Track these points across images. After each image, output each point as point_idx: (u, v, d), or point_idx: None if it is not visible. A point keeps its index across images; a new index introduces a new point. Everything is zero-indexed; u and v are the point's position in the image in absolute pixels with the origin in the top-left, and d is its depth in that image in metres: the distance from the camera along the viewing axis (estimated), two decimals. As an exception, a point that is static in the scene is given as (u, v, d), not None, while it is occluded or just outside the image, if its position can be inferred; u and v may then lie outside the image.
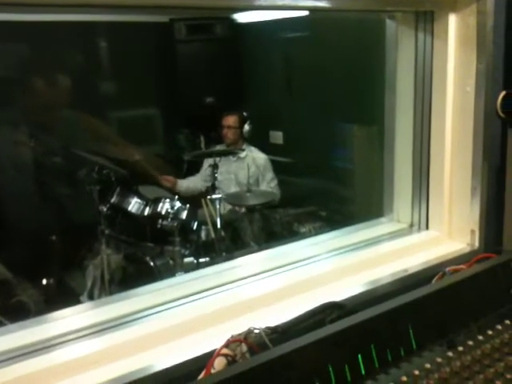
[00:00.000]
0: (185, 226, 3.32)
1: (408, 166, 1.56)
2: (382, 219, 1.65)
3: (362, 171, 3.41)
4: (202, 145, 4.63)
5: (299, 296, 1.28)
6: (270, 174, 3.94)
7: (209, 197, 3.35)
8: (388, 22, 1.54)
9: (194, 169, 4.27)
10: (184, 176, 4.13)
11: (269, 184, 3.91)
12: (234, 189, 3.79)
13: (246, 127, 3.92)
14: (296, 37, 3.91)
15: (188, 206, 3.36)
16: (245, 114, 3.95)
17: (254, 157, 3.92)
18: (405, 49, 1.51)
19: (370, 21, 2.48)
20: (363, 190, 3.34)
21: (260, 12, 4.18)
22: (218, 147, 4.09)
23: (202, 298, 1.28)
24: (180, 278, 1.60)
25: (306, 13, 3.76)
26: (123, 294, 1.33)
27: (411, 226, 1.60)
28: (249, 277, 1.36)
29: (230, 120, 3.93)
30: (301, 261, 1.43)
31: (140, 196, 3.54)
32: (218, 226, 3.17)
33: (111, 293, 3.52)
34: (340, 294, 1.24)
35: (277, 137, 4.28)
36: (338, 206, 3.48)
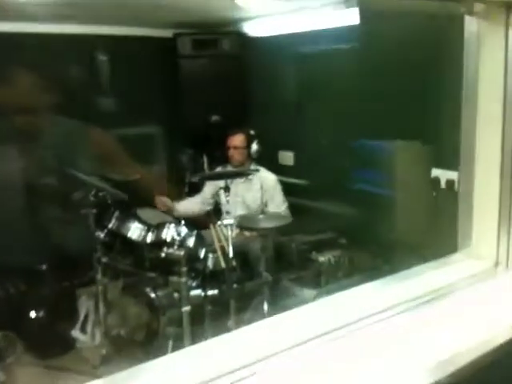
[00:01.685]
0: (191, 255, 3.01)
1: (493, 189, 1.29)
2: (457, 255, 1.37)
3: (404, 195, 3.08)
4: (205, 165, 4.36)
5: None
6: (279, 197, 3.66)
7: (219, 222, 3.05)
8: (467, 18, 1.28)
9: (195, 189, 3.99)
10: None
11: (278, 207, 3.62)
12: (241, 212, 3.50)
13: (254, 147, 3.64)
14: (311, 51, 3.67)
15: (195, 232, 3.06)
16: (252, 132, 3.68)
17: (263, 177, 3.63)
18: (490, 50, 1.25)
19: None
20: (402, 216, 3.04)
21: (271, 25, 3.98)
22: (222, 168, 3.81)
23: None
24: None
25: (324, 25, 3.61)
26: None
27: (496, 264, 1.32)
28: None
29: (236, 140, 3.65)
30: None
31: (141, 221, 3.24)
32: (230, 254, 2.86)
33: (106, 327, 3.21)
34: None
35: (287, 157, 4.01)
36: (362, 234, 3.18)
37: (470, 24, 1.27)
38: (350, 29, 3.24)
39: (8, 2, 2.70)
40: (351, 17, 3.29)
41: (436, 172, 3.05)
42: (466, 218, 1.33)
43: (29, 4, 2.95)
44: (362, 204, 3.25)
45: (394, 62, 2.73)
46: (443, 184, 3.03)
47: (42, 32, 3.63)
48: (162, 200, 3.65)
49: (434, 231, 2.75)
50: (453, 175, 2.96)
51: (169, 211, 3.66)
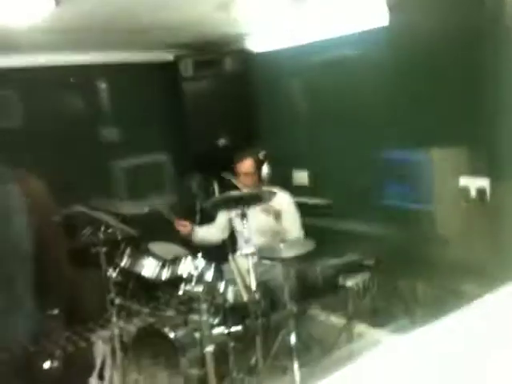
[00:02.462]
0: (210, 289, 2.82)
1: None
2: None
3: (441, 208, 2.88)
4: (216, 192, 4.19)
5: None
6: (296, 220, 3.46)
7: (239, 252, 2.87)
8: None
9: (207, 219, 3.82)
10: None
11: (294, 231, 3.41)
12: (258, 238, 3.30)
13: (265, 171, 3.45)
14: (318, 61, 3.51)
15: (213, 264, 2.87)
16: (261, 156, 3.49)
17: (280, 200, 3.44)
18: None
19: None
20: (439, 232, 2.83)
21: (274, 39, 3.83)
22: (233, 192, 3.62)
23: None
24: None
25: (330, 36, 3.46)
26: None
27: None
28: None
29: (245, 166, 3.45)
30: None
31: (154, 256, 3.05)
32: (253, 286, 2.67)
33: (124, 373, 3.01)
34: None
35: (301, 177, 3.82)
36: (392, 253, 2.98)
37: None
38: (361, 35, 3.09)
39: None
40: (360, 23, 3.15)
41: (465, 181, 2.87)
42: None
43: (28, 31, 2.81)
44: (392, 221, 3.05)
45: (421, 65, 2.56)
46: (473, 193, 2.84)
47: (37, 65, 3.52)
48: (183, 222, 3.49)
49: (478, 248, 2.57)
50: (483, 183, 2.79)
51: (188, 235, 3.50)
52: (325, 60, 3.47)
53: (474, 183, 2.83)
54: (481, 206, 2.77)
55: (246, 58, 4.05)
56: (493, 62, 2.15)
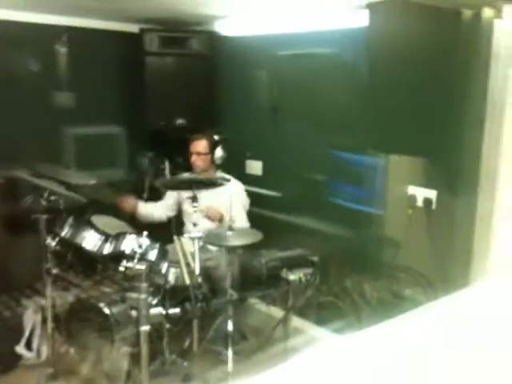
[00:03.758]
0: (152, 269, 2.77)
1: None
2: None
3: (389, 212, 2.96)
4: (167, 170, 4.12)
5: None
6: (245, 208, 3.47)
7: (186, 235, 2.83)
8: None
9: (155, 196, 3.76)
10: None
11: (241, 220, 3.42)
12: (205, 223, 3.28)
13: (219, 153, 3.45)
14: (287, 54, 3.50)
15: (158, 244, 2.82)
16: (216, 137, 3.48)
17: (232, 187, 3.43)
18: None
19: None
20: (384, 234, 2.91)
21: (246, 25, 3.79)
22: (185, 174, 3.59)
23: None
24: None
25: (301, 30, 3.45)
26: None
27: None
28: None
29: (199, 146, 3.45)
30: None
31: (97, 230, 2.97)
32: (196, 270, 2.65)
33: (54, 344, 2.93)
34: None
35: (255, 167, 3.82)
36: (339, 251, 3.04)
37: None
38: (336, 33, 3.11)
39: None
40: (333, 19, 3.17)
41: (413, 190, 2.96)
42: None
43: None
44: (341, 220, 3.12)
45: (392, 71, 2.59)
46: (420, 202, 2.94)
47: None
48: (127, 198, 3.44)
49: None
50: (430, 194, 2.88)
51: (132, 211, 3.44)
52: (294, 53, 3.45)
53: (422, 193, 2.93)
54: (426, 215, 2.87)
55: (214, 41, 3.98)
56: (461, 78, 2.22)
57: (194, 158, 3.45)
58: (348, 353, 1.18)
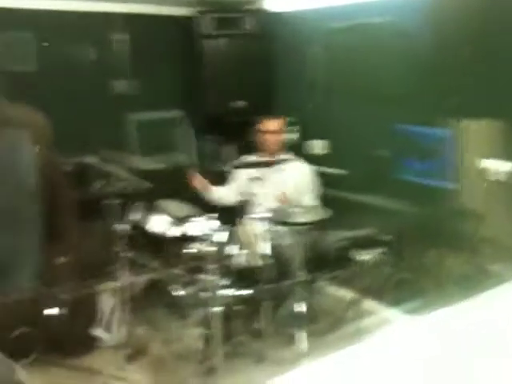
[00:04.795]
0: (221, 251, 2.78)
1: None
2: None
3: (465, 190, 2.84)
4: (228, 154, 4.11)
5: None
6: (315, 189, 3.42)
7: (253, 216, 2.82)
8: None
9: (221, 180, 3.76)
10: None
11: (314, 200, 3.38)
12: (271, 204, 3.26)
13: (291, 135, 3.40)
14: (341, 26, 3.39)
15: (227, 226, 2.82)
16: (287, 119, 3.44)
17: (297, 168, 3.39)
18: None
19: None
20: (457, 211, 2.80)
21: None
22: (251, 157, 3.57)
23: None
24: None
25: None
26: None
27: None
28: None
29: (271, 124, 3.40)
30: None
31: (166, 213, 3.01)
32: (266, 251, 2.63)
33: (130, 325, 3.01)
34: None
35: (318, 146, 3.74)
36: (414, 228, 2.92)
37: None
38: (392, 2, 2.98)
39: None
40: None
41: (487, 162, 2.81)
42: None
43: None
44: (410, 196, 3.00)
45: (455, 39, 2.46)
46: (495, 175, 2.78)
47: (54, 9, 3.40)
48: (200, 179, 3.43)
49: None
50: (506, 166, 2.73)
51: (204, 192, 3.46)
52: (348, 25, 3.34)
53: (497, 165, 2.78)
54: (503, 188, 2.72)
55: (267, 19, 3.91)
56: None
57: (266, 138, 3.40)
58: (427, 333, 1.13)
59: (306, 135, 3.79)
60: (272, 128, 3.39)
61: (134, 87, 3.84)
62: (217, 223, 2.75)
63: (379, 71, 3.17)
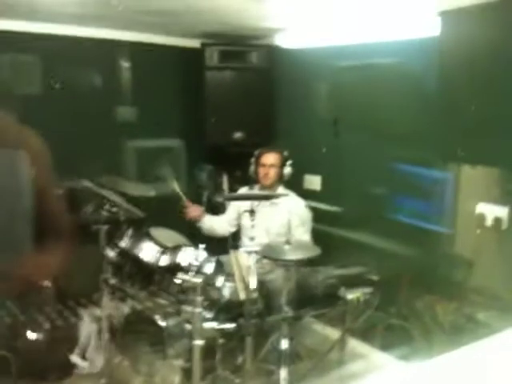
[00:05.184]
0: (208, 283, 2.74)
1: None
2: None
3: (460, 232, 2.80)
4: (225, 185, 4.12)
5: None
6: (307, 225, 3.39)
7: (242, 248, 2.79)
8: None
9: (213, 210, 3.75)
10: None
11: (301, 236, 3.34)
12: (264, 238, 3.23)
13: (288, 169, 3.40)
14: (349, 65, 3.42)
15: (215, 258, 2.80)
16: (285, 153, 3.44)
17: (292, 203, 3.37)
18: None
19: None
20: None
21: (306, 37, 3.75)
22: (248, 189, 3.56)
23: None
24: None
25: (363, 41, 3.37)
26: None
27: None
28: None
29: (272, 158, 3.40)
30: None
31: (155, 241, 2.99)
32: (252, 285, 2.59)
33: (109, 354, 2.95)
34: None
35: (314, 181, 3.74)
36: (404, 270, 2.89)
37: None
38: (403, 44, 3.01)
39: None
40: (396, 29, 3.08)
41: (482, 207, 2.79)
42: None
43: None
44: (404, 238, 2.98)
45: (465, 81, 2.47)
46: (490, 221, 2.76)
47: (60, 34, 3.46)
48: (195, 206, 3.47)
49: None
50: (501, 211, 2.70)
51: (197, 219, 3.47)
52: (356, 64, 3.37)
53: (492, 210, 2.75)
54: (496, 235, 2.69)
55: (274, 54, 3.97)
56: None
57: (265, 171, 3.39)
58: (416, 382, 1.08)
59: (304, 170, 3.78)
60: (270, 161, 3.39)
61: (136, 115, 3.88)
62: (204, 254, 2.73)
63: (383, 110, 3.19)
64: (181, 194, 3.42)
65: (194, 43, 3.96)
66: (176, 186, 3.41)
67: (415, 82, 2.97)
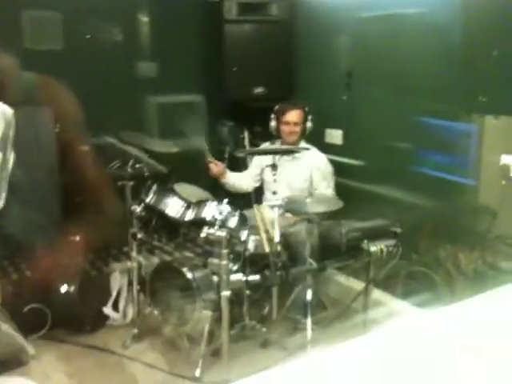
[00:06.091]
0: (232, 236, 2.80)
1: None
2: None
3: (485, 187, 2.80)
4: (246, 141, 4.12)
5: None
6: (329, 179, 3.40)
7: (265, 203, 2.83)
8: None
9: (235, 166, 3.77)
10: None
11: (327, 190, 3.37)
12: (286, 192, 3.26)
13: (309, 124, 3.39)
14: (370, 16, 3.34)
15: (238, 211, 2.84)
16: (306, 108, 3.41)
17: (313, 157, 3.37)
18: None
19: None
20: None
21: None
22: (266, 144, 3.57)
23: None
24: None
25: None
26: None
27: None
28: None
29: (296, 115, 3.36)
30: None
31: (180, 197, 3.04)
32: (276, 238, 2.64)
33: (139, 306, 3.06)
34: None
35: (335, 136, 3.72)
36: (429, 221, 2.91)
37: None
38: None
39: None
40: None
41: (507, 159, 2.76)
42: None
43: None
44: (428, 190, 2.98)
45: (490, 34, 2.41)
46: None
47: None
48: (217, 162, 3.44)
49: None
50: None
51: (220, 176, 3.46)
52: (378, 15, 3.29)
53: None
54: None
55: (294, 6, 3.88)
56: None
57: (289, 128, 3.36)
58: (438, 327, 1.12)
59: (325, 124, 3.76)
60: (294, 119, 3.35)
61: (156, 70, 3.87)
62: (228, 208, 2.78)
63: (406, 63, 3.12)
64: (206, 149, 3.39)
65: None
66: (203, 142, 3.37)
67: (439, 33, 2.89)
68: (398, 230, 2.81)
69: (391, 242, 2.80)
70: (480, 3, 2.49)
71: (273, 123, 3.42)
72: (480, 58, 2.50)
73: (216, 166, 3.43)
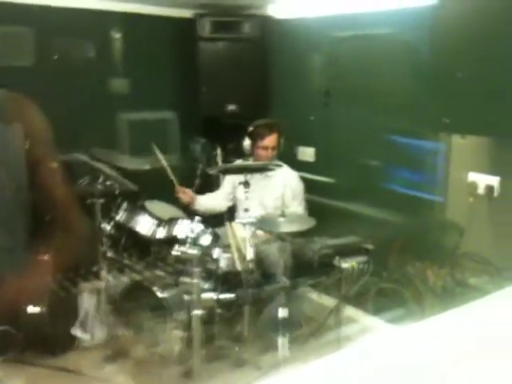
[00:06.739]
0: (204, 254, 2.77)
1: None
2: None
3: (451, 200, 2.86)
4: (219, 158, 4.12)
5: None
6: (301, 196, 3.41)
7: (238, 220, 2.82)
8: None
9: (207, 183, 3.76)
10: (196, 193, 3.56)
11: (298, 208, 3.38)
12: (259, 210, 3.26)
13: (282, 141, 3.39)
14: (343, 36, 3.40)
15: (210, 229, 2.83)
16: (280, 127, 3.41)
17: (285, 175, 3.39)
18: None
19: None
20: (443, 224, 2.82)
21: (300, 7, 3.71)
22: (238, 162, 3.57)
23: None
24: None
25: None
26: None
27: None
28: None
29: (273, 140, 3.34)
30: None
31: (150, 214, 3.01)
32: (248, 256, 2.63)
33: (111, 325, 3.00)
34: None
35: (307, 153, 3.75)
36: (398, 238, 2.95)
37: None
38: (399, 13, 3.00)
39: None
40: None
41: (474, 176, 2.83)
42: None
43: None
44: (397, 207, 3.03)
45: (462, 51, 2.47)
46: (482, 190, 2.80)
47: (53, 5, 3.40)
48: (185, 190, 3.38)
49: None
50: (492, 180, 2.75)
51: (190, 203, 3.40)
52: (350, 35, 3.34)
53: (484, 180, 2.79)
54: (488, 202, 2.73)
55: (267, 24, 3.91)
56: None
57: (267, 153, 3.34)
58: (407, 343, 1.12)
59: (298, 141, 3.79)
60: (270, 144, 3.34)
61: (129, 87, 3.85)
62: (200, 226, 2.76)
63: (377, 82, 3.17)
64: (173, 177, 3.27)
65: (187, 14, 3.90)
66: (168, 170, 3.24)
67: (410, 53, 2.96)
68: (370, 247, 2.83)
69: (363, 258, 2.82)
70: (446, 26, 2.55)
71: (246, 143, 3.40)
72: (445, 79, 2.56)
73: (185, 195, 3.37)
